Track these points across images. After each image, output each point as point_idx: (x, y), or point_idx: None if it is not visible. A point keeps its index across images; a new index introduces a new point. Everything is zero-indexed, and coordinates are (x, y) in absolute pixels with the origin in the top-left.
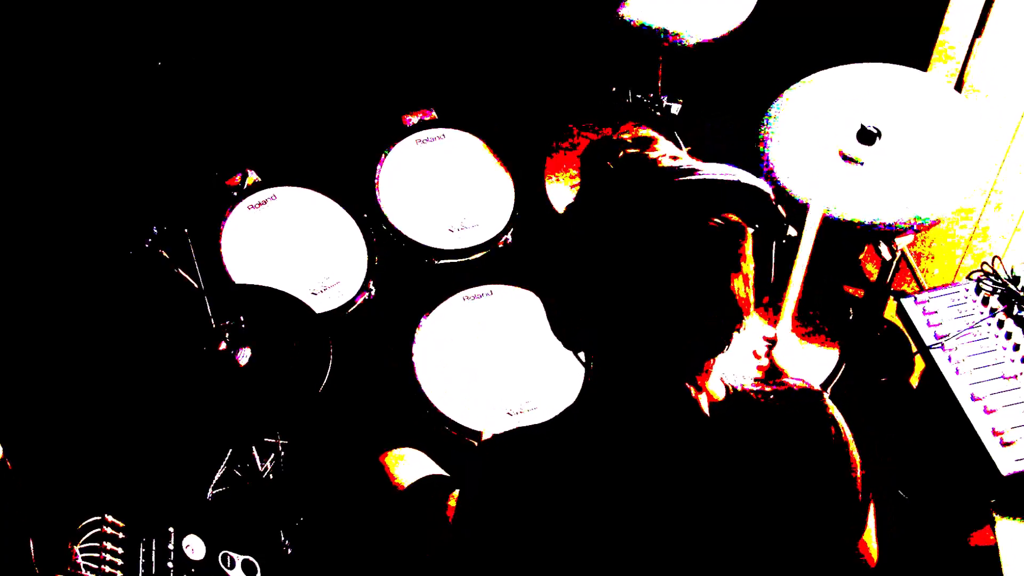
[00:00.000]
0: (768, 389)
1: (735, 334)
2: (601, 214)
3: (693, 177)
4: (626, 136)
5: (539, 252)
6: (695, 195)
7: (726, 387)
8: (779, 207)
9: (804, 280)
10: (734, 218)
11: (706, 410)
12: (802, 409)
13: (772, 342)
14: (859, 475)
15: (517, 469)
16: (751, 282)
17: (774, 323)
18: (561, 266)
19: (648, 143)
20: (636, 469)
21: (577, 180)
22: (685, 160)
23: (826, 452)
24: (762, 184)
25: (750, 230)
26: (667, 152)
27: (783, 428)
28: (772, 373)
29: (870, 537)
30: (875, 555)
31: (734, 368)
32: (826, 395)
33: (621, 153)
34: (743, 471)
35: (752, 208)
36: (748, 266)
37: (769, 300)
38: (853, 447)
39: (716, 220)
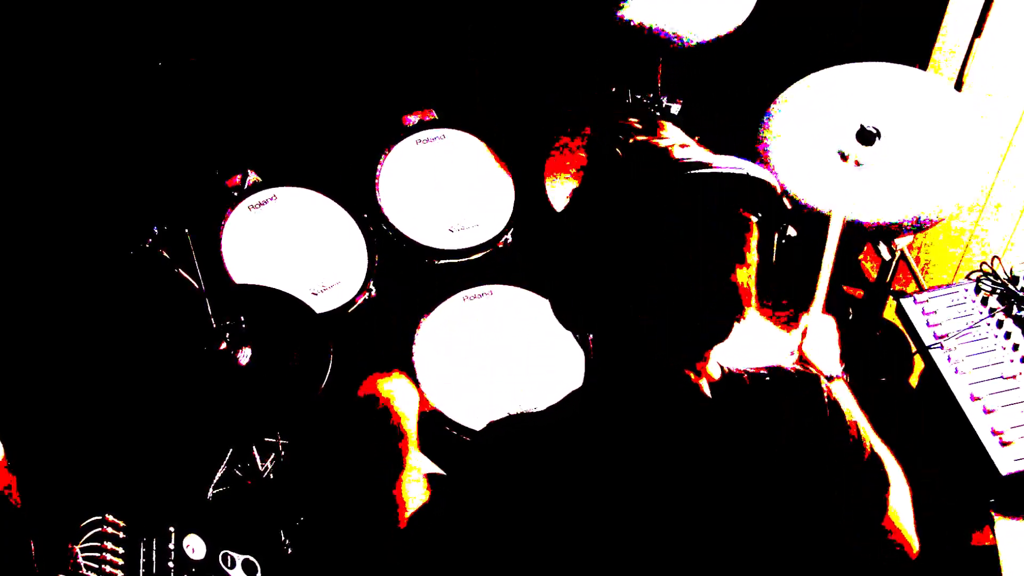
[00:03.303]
0: (762, 370)
1: (736, 324)
2: (609, 201)
3: (705, 171)
4: (633, 122)
5: (543, 238)
6: (706, 188)
7: (722, 369)
8: (785, 200)
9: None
10: (742, 211)
11: (708, 394)
12: (795, 385)
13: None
14: (867, 447)
15: (518, 455)
16: (754, 274)
17: (790, 324)
18: (564, 251)
19: (655, 129)
20: (638, 456)
21: (579, 172)
22: (694, 149)
23: (821, 422)
24: (770, 177)
25: (755, 221)
26: (676, 140)
27: (776, 402)
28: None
29: (897, 518)
30: (914, 543)
31: (765, 359)
32: (824, 379)
33: (631, 139)
34: (741, 451)
35: (759, 201)
36: (752, 257)
37: (788, 302)
38: (857, 420)
39: (726, 213)
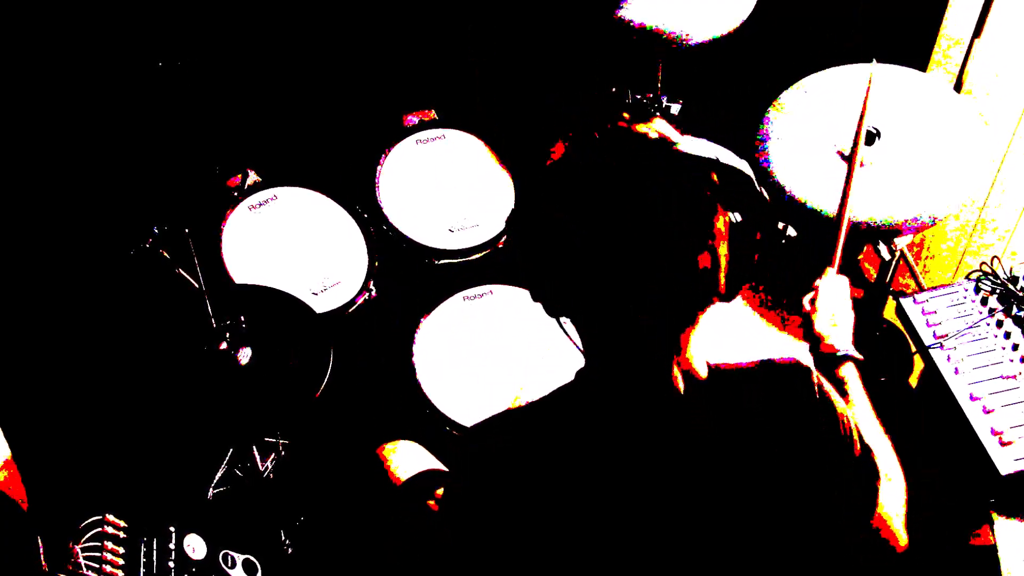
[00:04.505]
0: (751, 364)
1: (701, 312)
2: (580, 180)
3: (676, 152)
4: (624, 114)
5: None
6: (675, 169)
7: (708, 366)
8: (763, 191)
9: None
10: (708, 193)
11: (681, 387)
12: (784, 376)
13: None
14: (856, 441)
15: (502, 453)
16: (723, 265)
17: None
18: (538, 233)
19: (643, 118)
20: (614, 447)
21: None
22: (674, 137)
23: (811, 414)
24: (743, 166)
25: (725, 210)
26: (658, 128)
27: (765, 394)
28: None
29: (887, 514)
30: (902, 538)
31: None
32: (814, 368)
33: (609, 125)
34: (726, 443)
35: (731, 189)
36: (722, 247)
37: (787, 302)
38: (847, 414)
39: (687, 191)
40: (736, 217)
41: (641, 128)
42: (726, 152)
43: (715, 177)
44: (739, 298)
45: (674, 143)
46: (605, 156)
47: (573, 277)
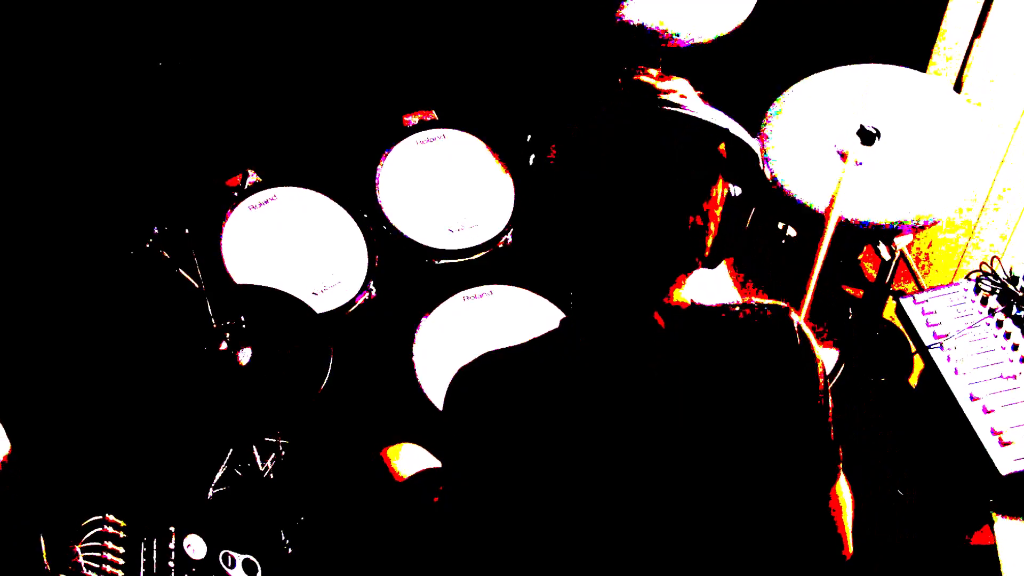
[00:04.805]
0: (735, 304)
1: (685, 276)
2: (596, 129)
3: (681, 111)
4: (646, 70)
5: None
6: (682, 128)
7: (692, 303)
8: (765, 170)
9: (816, 281)
10: (712, 158)
11: (663, 323)
12: (765, 318)
13: None
14: (829, 403)
15: (485, 394)
16: (712, 230)
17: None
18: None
19: (665, 79)
20: (595, 386)
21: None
22: (692, 99)
23: (790, 359)
24: (751, 141)
25: (724, 179)
26: (679, 90)
27: (744, 334)
28: None
29: (844, 501)
30: (850, 544)
31: None
32: (793, 312)
33: (635, 77)
34: (705, 379)
35: (735, 160)
36: (715, 212)
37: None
38: (820, 359)
39: (691, 150)
40: (736, 191)
41: (664, 85)
42: (737, 126)
43: (723, 147)
44: (723, 266)
45: (692, 105)
46: (626, 104)
47: (565, 218)
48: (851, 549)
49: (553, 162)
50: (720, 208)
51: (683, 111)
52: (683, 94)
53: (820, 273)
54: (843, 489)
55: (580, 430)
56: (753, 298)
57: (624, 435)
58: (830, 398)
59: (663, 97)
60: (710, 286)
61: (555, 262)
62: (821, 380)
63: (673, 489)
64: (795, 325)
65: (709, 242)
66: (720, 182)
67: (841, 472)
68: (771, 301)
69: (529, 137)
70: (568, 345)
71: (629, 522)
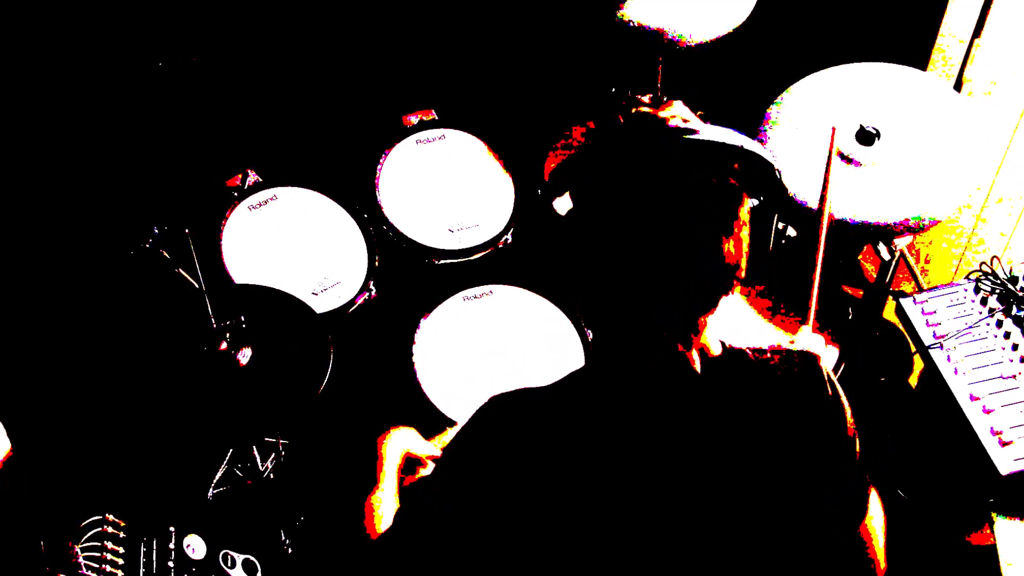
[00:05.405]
0: (766, 350)
1: (723, 296)
2: (608, 166)
3: (696, 136)
4: (641, 98)
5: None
6: (696, 152)
7: (723, 346)
8: (781, 176)
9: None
10: (732, 181)
11: (697, 367)
12: (796, 367)
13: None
14: (857, 448)
15: (510, 430)
16: (744, 250)
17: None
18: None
19: (661, 105)
20: (628, 426)
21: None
22: (695, 123)
23: (821, 408)
24: (767, 154)
25: (747, 197)
26: (679, 114)
27: (776, 383)
28: None
29: (873, 528)
30: (882, 561)
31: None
32: (823, 361)
33: (634, 109)
34: (736, 426)
35: (753, 175)
36: (743, 233)
37: (787, 306)
38: (849, 413)
39: (714, 179)
40: (754, 201)
41: (664, 113)
42: (745, 138)
43: (736, 165)
44: (735, 293)
45: (695, 129)
46: (630, 143)
47: (598, 264)
48: (884, 565)
49: (576, 214)
50: (748, 226)
51: (694, 137)
52: (684, 118)
53: (820, 273)
54: (875, 512)
55: (614, 472)
56: (779, 331)
57: (657, 474)
58: (857, 443)
59: (669, 127)
60: (730, 308)
61: (598, 309)
62: (850, 429)
63: (708, 533)
64: (825, 376)
65: (744, 263)
66: (745, 199)
67: (871, 495)
68: (800, 347)
69: (539, 191)
70: (604, 387)
71: (666, 567)
